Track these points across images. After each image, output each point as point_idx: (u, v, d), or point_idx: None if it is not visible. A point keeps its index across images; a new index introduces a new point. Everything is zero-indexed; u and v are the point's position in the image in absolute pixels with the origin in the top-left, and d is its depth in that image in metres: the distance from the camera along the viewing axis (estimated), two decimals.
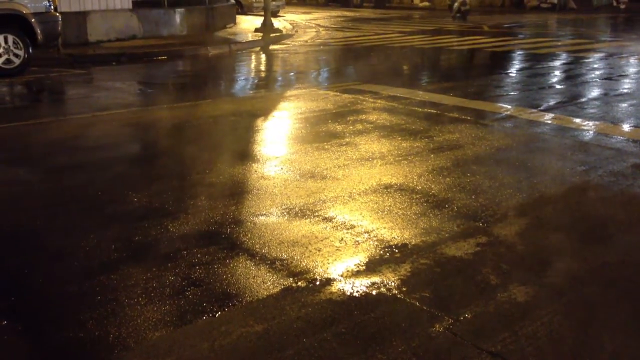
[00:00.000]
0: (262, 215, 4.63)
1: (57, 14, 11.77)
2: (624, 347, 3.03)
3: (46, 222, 4.59)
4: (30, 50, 11.14)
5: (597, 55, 13.94)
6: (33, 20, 11.09)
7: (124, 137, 7.09)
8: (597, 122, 7.47)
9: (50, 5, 11.46)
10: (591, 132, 7.04)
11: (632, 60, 13.14)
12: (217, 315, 3.27)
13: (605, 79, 10.86)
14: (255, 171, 5.66)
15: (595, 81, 10.69)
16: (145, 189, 5.17)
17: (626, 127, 7.29)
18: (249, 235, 4.27)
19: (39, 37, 11.21)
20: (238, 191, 5.15)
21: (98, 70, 12.16)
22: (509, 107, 8.44)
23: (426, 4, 35.23)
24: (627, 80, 10.71)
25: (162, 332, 3.13)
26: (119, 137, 7.05)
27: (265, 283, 3.61)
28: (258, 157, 6.13)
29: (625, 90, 9.70)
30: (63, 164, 5.97)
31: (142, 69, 12.54)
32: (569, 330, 3.16)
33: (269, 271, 3.75)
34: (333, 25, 22.32)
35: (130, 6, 15.79)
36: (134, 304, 3.38)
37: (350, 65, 13.35)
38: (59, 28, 11.76)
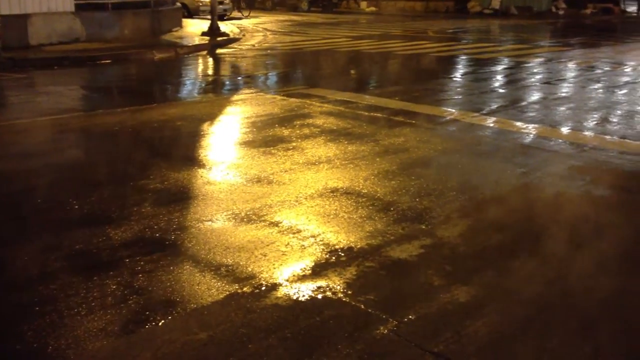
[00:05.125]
0: (207, 221, 4.59)
1: None
2: (562, 345, 3.12)
3: None
4: None
5: (537, 60, 14.32)
6: None
7: (65, 143, 6.93)
8: (536, 125, 7.68)
9: None
10: (531, 135, 7.23)
11: (570, 64, 13.55)
12: (160, 324, 3.22)
13: (545, 83, 11.17)
14: (201, 176, 5.61)
15: (535, 85, 10.98)
16: (87, 196, 5.06)
17: (564, 130, 7.51)
18: (194, 241, 4.23)
19: None
20: (183, 197, 5.09)
21: (39, 74, 11.85)
22: (453, 110, 8.60)
23: (373, 9, 35.56)
24: (565, 84, 11.05)
25: (103, 343, 3.07)
26: (59, 143, 6.88)
27: (210, 290, 3.58)
28: (204, 162, 6.08)
29: (563, 94, 9.99)
30: None
31: (85, 73, 12.29)
32: (509, 329, 3.23)
33: (214, 277, 3.72)
34: (281, 30, 22.31)
35: (73, 9, 15.43)
36: (74, 314, 3.31)
37: (298, 70, 13.37)
38: None
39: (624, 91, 10.23)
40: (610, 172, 5.88)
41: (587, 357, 3.03)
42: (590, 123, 7.92)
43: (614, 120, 8.10)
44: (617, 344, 3.14)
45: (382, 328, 3.21)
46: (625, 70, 12.77)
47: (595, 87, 10.71)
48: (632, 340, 3.18)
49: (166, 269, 3.82)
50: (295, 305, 3.43)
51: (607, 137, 7.17)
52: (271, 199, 5.03)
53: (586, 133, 7.37)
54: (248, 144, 6.72)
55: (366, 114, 8.28)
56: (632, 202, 5.16)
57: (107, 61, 13.38)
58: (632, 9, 36.54)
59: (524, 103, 9.29)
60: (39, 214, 4.75)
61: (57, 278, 3.69)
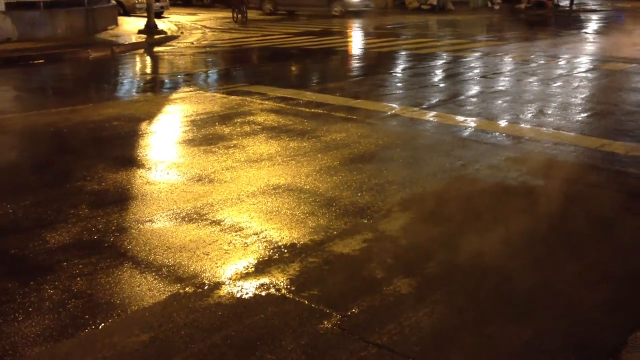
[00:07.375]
0: (147, 221, 4.52)
1: None
2: (501, 332, 3.20)
3: None
4: None
5: (474, 54, 14.61)
6: None
7: None
8: (474, 119, 7.84)
9: None
10: (469, 129, 7.38)
11: (505, 58, 13.87)
12: (100, 327, 3.16)
13: (482, 77, 11.41)
14: (140, 176, 5.51)
15: (473, 79, 11.21)
16: (22, 199, 4.91)
17: (501, 123, 7.69)
18: (134, 242, 4.15)
19: None
20: (122, 198, 4.99)
21: None
22: (394, 105, 8.69)
23: None
24: (501, 78, 11.30)
25: (42, 348, 2.98)
26: None
27: (151, 291, 3.52)
28: (143, 162, 5.97)
29: (500, 88, 10.22)
30: None
31: (18, 73, 11.89)
32: (449, 318, 3.30)
33: (155, 278, 3.66)
34: (219, 27, 22.10)
35: (3, 8, 14.92)
36: (10, 320, 3.21)
37: (238, 67, 13.28)
38: None
39: (558, 84, 10.54)
40: (545, 162, 6.05)
41: (525, 342, 3.11)
42: (527, 115, 8.13)
43: (549, 112, 8.33)
44: (553, 328, 3.24)
45: (326, 322, 3.23)
46: (559, 63, 13.16)
47: (531, 80, 11.00)
48: (567, 324, 3.28)
49: (105, 271, 3.74)
50: (238, 304, 3.41)
51: (543, 128, 7.37)
52: (213, 198, 4.98)
53: (522, 125, 7.56)
54: (188, 142, 6.64)
55: (307, 110, 8.29)
56: (566, 191, 5.32)
57: (41, 61, 12.99)
58: (564, 2, 37.66)
59: (462, 97, 9.47)
60: None
61: None
